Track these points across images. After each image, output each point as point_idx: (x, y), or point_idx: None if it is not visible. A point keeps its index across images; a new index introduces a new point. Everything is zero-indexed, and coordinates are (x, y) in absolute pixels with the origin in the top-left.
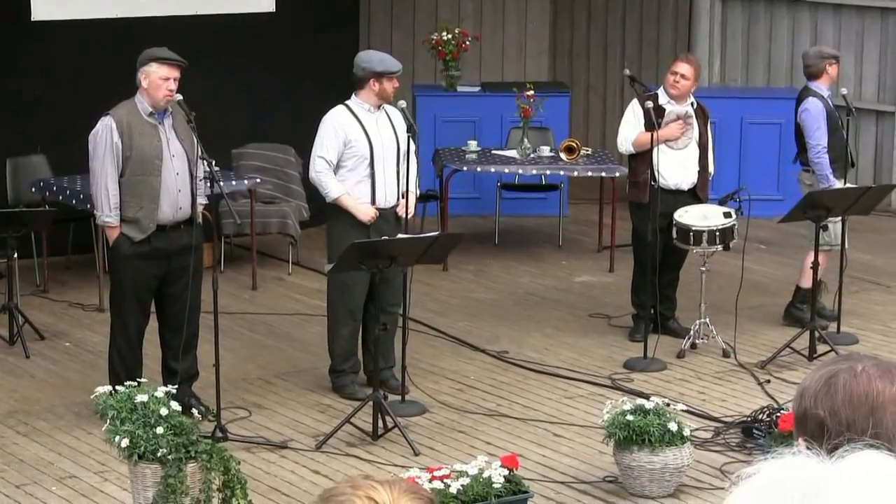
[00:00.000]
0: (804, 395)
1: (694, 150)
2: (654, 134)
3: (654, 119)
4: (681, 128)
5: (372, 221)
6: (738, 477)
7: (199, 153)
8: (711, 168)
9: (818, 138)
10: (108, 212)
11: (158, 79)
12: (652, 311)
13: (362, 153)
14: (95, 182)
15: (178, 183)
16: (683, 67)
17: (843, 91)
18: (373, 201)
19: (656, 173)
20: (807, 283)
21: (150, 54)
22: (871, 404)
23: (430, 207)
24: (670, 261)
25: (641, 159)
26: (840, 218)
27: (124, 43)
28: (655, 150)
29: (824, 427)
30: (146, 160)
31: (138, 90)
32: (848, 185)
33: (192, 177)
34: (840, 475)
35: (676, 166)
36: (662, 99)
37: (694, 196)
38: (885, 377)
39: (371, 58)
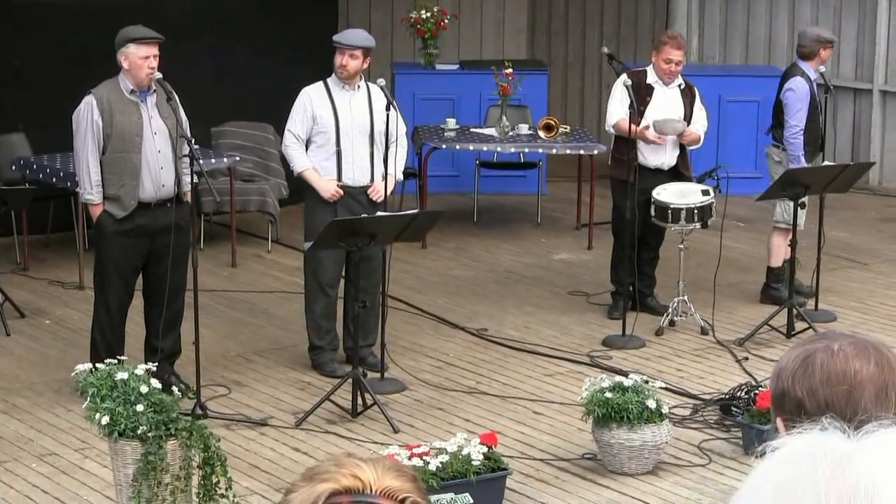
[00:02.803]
0: (781, 374)
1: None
2: (633, 128)
3: (633, 98)
4: (658, 140)
5: (333, 198)
6: (762, 450)
7: (180, 131)
8: (701, 132)
9: (798, 119)
10: (89, 189)
11: (138, 59)
12: (631, 289)
13: (328, 130)
14: (77, 160)
15: (161, 160)
16: (677, 55)
17: (822, 69)
18: (339, 179)
19: (638, 152)
20: (776, 262)
21: (127, 35)
22: (849, 383)
23: (409, 185)
24: (650, 239)
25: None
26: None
27: (105, 23)
28: (643, 125)
29: (802, 407)
30: (126, 137)
31: (121, 69)
32: (826, 162)
33: (176, 155)
34: (868, 447)
35: (659, 148)
36: (651, 78)
37: (675, 175)
38: (862, 355)
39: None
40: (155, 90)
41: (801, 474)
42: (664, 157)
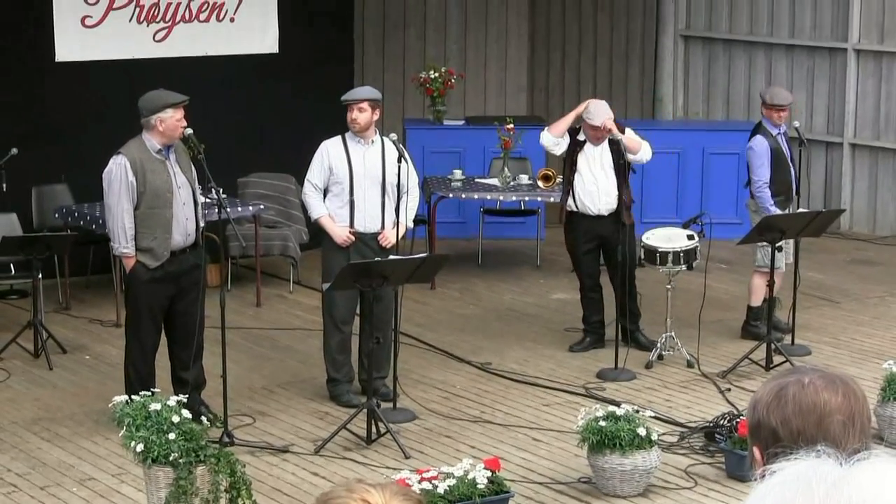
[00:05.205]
0: (757, 406)
1: (612, 179)
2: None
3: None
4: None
5: (345, 244)
6: (761, 474)
7: (209, 182)
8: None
9: (760, 175)
10: (124, 243)
11: (174, 121)
12: (619, 326)
13: (343, 181)
14: (112, 216)
15: (186, 212)
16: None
17: (796, 124)
18: (352, 225)
19: (578, 201)
20: (756, 301)
21: (163, 101)
22: (819, 413)
23: (419, 231)
24: (614, 278)
25: (566, 186)
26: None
27: (138, 81)
28: (578, 177)
29: (776, 435)
30: (158, 194)
31: (146, 130)
32: (800, 209)
33: (197, 204)
34: (859, 472)
35: (594, 192)
36: (581, 136)
37: (617, 219)
38: (830, 388)
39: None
40: (174, 146)
41: (798, 495)
42: (600, 204)
